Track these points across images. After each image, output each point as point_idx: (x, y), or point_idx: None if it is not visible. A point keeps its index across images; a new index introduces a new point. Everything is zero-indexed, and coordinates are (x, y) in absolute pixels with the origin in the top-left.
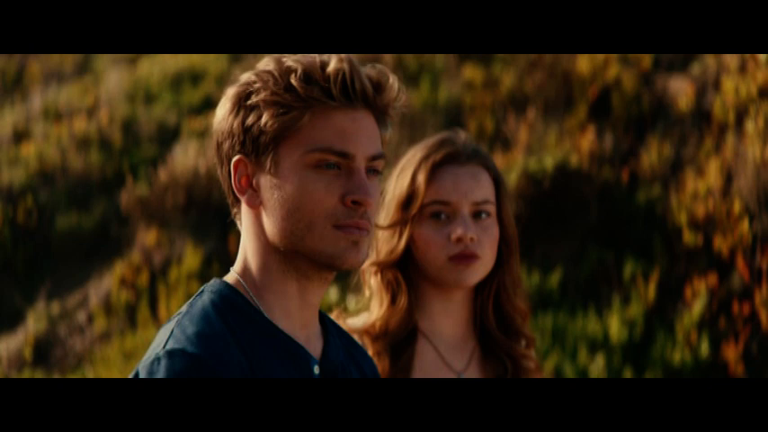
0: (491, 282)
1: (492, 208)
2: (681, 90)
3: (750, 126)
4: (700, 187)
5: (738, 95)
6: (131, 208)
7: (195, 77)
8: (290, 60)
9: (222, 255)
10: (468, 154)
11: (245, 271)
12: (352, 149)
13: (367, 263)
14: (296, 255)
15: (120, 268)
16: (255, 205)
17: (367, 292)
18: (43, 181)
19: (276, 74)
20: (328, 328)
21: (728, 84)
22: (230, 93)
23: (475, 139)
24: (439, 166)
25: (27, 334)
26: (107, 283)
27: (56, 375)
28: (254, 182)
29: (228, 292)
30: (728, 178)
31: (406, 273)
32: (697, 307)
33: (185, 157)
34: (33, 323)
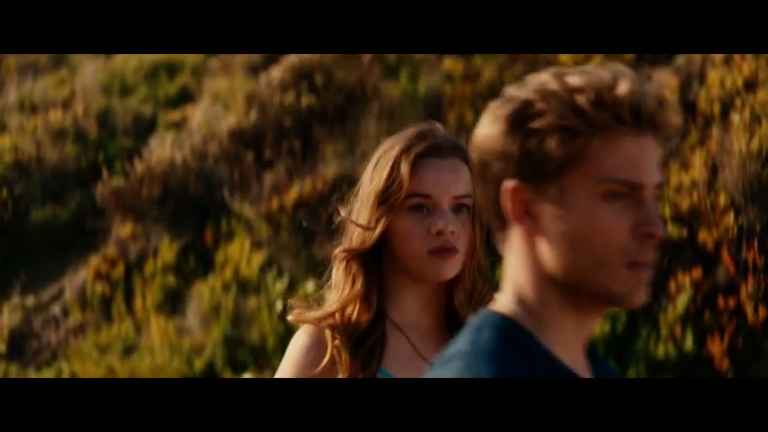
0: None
1: (471, 202)
2: (665, 82)
3: (736, 118)
4: (684, 180)
5: (724, 87)
6: (107, 200)
7: (171, 69)
8: (573, 78)
9: (198, 248)
10: (449, 147)
11: (521, 303)
12: (644, 179)
13: (338, 249)
14: (577, 289)
15: (95, 261)
16: (532, 234)
17: (332, 280)
18: (18, 173)
19: (562, 94)
20: (594, 356)
21: (714, 76)
22: (503, 111)
23: (455, 131)
24: (420, 158)
25: (1, 327)
26: (82, 276)
27: (31, 369)
28: (532, 209)
29: (512, 328)
30: (714, 171)
31: (374, 263)
32: (681, 301)
33: (161, 149)
34: (8, 316)
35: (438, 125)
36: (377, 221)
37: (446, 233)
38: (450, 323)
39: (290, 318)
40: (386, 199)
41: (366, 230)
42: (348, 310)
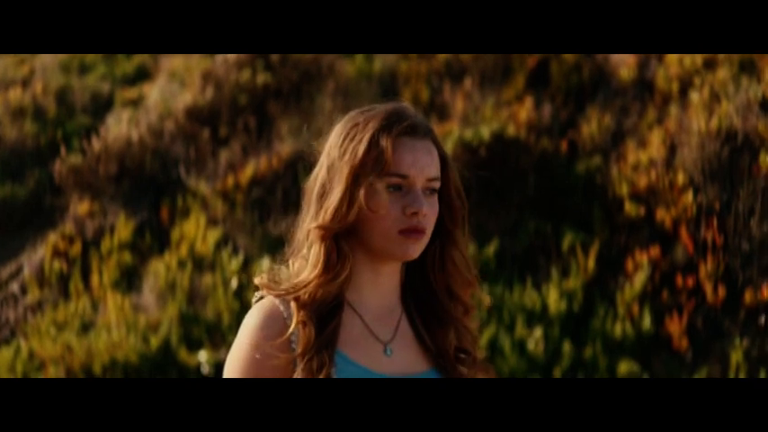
0: (431, 254)
1: (438, 185)
2: (622, 60)
3: (695, 97)
4: (642, 158)
5: (683, 66)
6: (64, 178)
7: None
8: None
9: (154, 225)
10: (424, 128)
11: None
12: None
13: (312, 224)
14: None
15: (53, 238)
16: None
17: (305, 253)
18: None
19: None
20: None
21: (672, 54)
22: None
23: None
24: (399, 137)
25: None
26: (40, 254)
27: None
28: None
29: None
30: (672, 149)
31: (344, 241)
32: (639, 279)
33: (118, 127)
34: None
35: (407, 104)
36: (352, 199)
37: (420, 214)
38: (404, 301)
39: (257, 281)
40: (360, 175)
41: (341, 207)
42: (312, 288)
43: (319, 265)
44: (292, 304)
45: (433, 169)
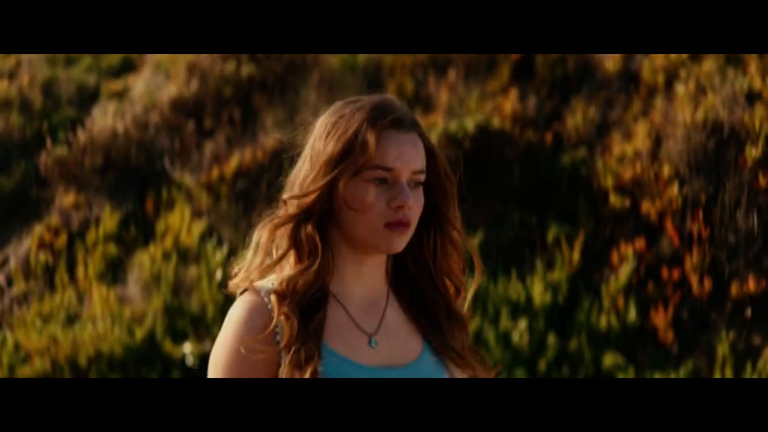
0: (428, 241)
1: (424, 177)
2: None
3: (680, 89)
4: (627, 150)
5: (668, 58)
6: (50, 170)
7: None
8: None
9: (139, 217)
10: (409, 121)
11: None
12: None
13: (290, 204)
14: None
15: (38, 230)
16: None
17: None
18: None
19: None
20: None
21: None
22: None
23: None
24: (384, 130)
25: None
26: (26, 246)
27: None
28: None
29: None
30: (657, 142)
31: (323, 232)
32: (624, 272)
33: (104, 119)
34: None
35: (393, 96)
36: (334, 189)
37: (406, 208)
38: (390, 292)
39: (234, 281)
40: (338, 165)
41: (322, 196)
42: (290, 278)
43: (290, 252)
44: (273, 297)
45: (419, 162)
